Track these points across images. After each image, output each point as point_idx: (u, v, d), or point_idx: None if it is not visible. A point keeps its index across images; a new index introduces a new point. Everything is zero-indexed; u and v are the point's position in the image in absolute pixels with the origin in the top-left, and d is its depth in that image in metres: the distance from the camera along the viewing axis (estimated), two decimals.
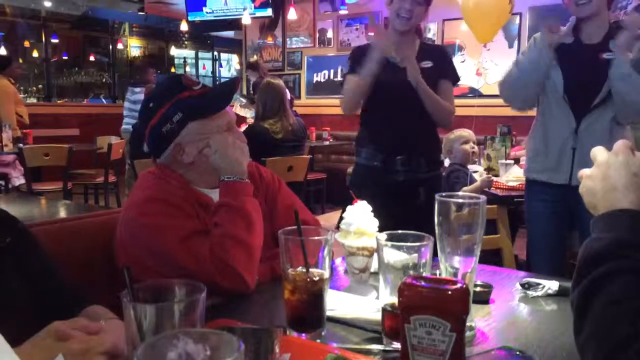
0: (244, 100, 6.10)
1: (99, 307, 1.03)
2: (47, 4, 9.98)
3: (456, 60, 6.35)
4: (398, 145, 2.35)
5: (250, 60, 6.76)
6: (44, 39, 10.77)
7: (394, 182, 2.35)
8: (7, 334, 0.69)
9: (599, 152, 0.85)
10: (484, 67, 6.20)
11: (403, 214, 2.19)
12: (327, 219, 5.49)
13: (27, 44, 10.81)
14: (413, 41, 2.39)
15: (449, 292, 0.75)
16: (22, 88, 10.66)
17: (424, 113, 2.33)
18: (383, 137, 2.38)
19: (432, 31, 6.41)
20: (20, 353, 0.70)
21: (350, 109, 2.42)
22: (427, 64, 2.31)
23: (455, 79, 2.43)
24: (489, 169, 3.54)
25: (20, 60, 10.78)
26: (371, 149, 2.41)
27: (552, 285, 1.22)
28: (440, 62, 2.37)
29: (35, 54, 10.84)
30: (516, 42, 5.94)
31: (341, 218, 1.28)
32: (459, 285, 0.77)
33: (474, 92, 6.17)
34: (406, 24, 2.29)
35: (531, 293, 1.22)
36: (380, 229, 0.99)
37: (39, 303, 0.98)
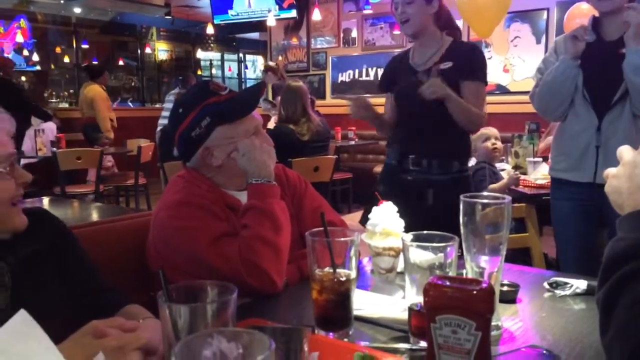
0: (267, 106, 6.16)
1: (136, 307, 1.06)
2: (77, 11, 10.20)
3: None
4: (410, 145, 2.35)
5: (268, 64, 6.79)
6: (74, 45, 11.00)
7: (404, 180, 2.35)
8: (48, 331, 0.73)
9: (625, 151, 0.84)
10: (512, 64, 6.12)
11: (411, 213, 2.17)
12: (354, 218, 5.48)
13: (58, 49, 11.07)
14: (437, 43, 2.31)
15: (474, 292, 0.76)
16: (54, 93, 10.94)
17: (439, 116, 2.23)
18: (398, 137, 2.43)
19: None
20: (61, 350, 0.73)
21: (387, 133, 2.54)
22: (447, 64, 2.22)
23: (483, 79, 2.31)
24: (516, 167, 3.50)
25: (52, 66, 11.06)
26: (391, 148, 2.48)
27: (580, 284, 1.22)
28: (466, 62, 2.25)
29: (66, 59, 11.09)
30: (544, 38, 5.85)
31: (364, 217, 1.29)
32: (483, 285, 0.78)
33: (502, 89, 6.10)
34: (408, 26, 2.26)
35: (559, 292, 1.22)
36: None
37: (78, 302, 1.02)
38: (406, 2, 2.22)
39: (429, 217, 2.11)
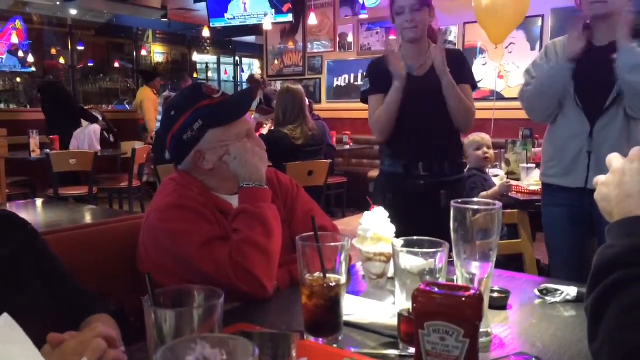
0: (258, 115, 6.18)
1: (103, 316, 1.05)
2: (73, 12, 10.18)
3: (477, 63, 6.31)
4: (419, 151, 2.35)
5: (252, 75, 6.90)
6: (70, 46, 10.98)
7: (416, 186, 2.34)
8: (29, 336, 0.72)
9: (614, 159, 0.85)
10: (506, 70, 6.15)
11: (426, 218, 2.20)
12: (348, 223, 5.49)
13: (53, 51, 11.04)
14: (427, 48, 2.37)
15: (463, 299, 0.76)
16: None
17: (443, 117, 2.32)
18: (404, 144, 2.38)
19: (453, 34, 6.38)
20: None
21: (385, 137, 2.39)
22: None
23: (473, 83, 2.40)
24: (510, 173, 3.51)
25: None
26: (393, 156, 2.41)
27: (571, 291, 1.22)
28: (457, 67, 2.32)
29: (61, 61, 11.06)
30: (538, 44, 5.88)
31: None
32: (472, 291, 0.77)
33: (496, 95, 6.12)
34: (414, 31, 2.28)
35: (549, 299, 1.22)
36: (405, 235, 1.00)
37: (55, 305, 1.00)
38: (415, 9, 2.25)
39: (444, 218, 2.18)
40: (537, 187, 3.00)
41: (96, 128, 6.39)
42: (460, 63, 2.38)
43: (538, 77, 2.26)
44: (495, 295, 1.18)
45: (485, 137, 3.37)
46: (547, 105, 2.27)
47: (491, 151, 3.35)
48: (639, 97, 2.07)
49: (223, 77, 14.40)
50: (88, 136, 6.19)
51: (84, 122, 6.48)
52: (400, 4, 2.28)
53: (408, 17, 2.25)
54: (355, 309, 1.09)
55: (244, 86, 14.09)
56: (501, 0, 3.93)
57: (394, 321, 0.98)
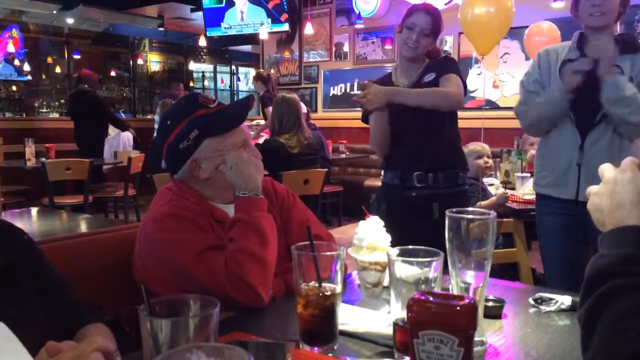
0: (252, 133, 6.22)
1: (99, 326, 1.05)
2: (70, 21, 10.19)
3: (472, 72, 6.35)
4: (413, 163, 2.39)
5: (260, 72, 6.83)
6: (66, 55, 10.99)
7: (409, 198, 2.38)
8: (26, 345, 0.72)
9: (606, 169, 0.85)
10: (501, 80, 6.18)
11: (420, 230, 2.21)
12: (344, 232, 5.49)
13: (50, 60, 11.05)
14: (421, 63, 2.45)
15: (457, 308, 0.77)
16: (44, 103, 10.90)
17: (437, 130, 2.38)
18: (399, 156, 2.44)
19: (448, 44, 6.42)
20: None
21: (384, 152, 2.48)
22: (430, 76, 2.38)
23: (456, 72, 2.41)
24: (505, 183, 3.52)
25: (43, 76, 11.03)
26: (390, 168, 2.48)
27: (565, 300, 1.22)
28: (443, 67, 2.40)
29: (57, 69, 11.06)
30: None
31: None
32: (466, 301, 0.78)
33: (491, 105, 6.15)
34: (413, 52, 2.36)
35: (544, 308, 1.22)
36: (401, 245, 1.00)
37: (43, 316, 1.00)
38: (424, 34, 2.32)
39: (436, 231, 2.22)
40: (532, 196, 3.01)
41: (129, 135, 6.57)
42: (446, 64, 2.45)
43: (541, 105, 2.26)
44: (490, 304, 1.18)
45: (485, 146, 3.39)
46: (546, 128, 2.31)
47: (491, 161, 3.38)
48: (625, 125, 2.12)
49: (220, 85, 14.41)
50: (122, 142, 6.41)
51: (111, 130, 6.55)
52: (414, 21, 2.34)
53: (414, 37, 2.32)
54: (350, 318, 1.09)
55: (241, 95, 14.13)
56: (486, 12, 3.98)
57: (389, 330, 0.98)
